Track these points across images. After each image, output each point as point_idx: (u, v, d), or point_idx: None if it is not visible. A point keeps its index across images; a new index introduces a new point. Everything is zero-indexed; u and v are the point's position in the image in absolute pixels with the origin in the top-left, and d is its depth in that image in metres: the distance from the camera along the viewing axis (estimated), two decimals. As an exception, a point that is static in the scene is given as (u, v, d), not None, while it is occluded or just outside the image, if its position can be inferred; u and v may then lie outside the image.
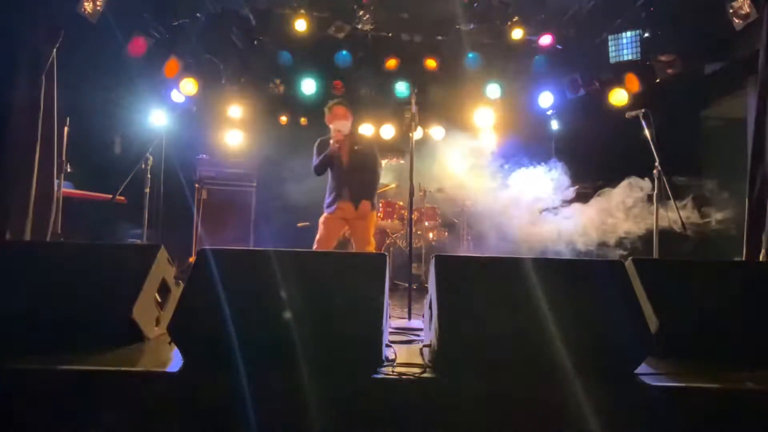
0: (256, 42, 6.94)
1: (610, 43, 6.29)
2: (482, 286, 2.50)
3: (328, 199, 4.86)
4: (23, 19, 4.21)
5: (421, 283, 6.19)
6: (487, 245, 6.51)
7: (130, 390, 2.18)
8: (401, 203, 6.70)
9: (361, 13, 6.24)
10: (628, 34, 6.16)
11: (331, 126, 4.86)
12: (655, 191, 4.48)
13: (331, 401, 2.12)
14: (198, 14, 6.31)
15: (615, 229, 5.21)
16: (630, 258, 2.88)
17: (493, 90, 7.50)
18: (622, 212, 5.13)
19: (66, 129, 4.66)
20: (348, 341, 2.32)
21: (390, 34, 6.96)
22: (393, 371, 2.26)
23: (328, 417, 2.09)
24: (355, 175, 4.80)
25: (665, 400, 2.15)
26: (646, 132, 4.51)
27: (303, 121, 8.12)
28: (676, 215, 4.27)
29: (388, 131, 8.02)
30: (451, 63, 7.23)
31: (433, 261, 2.60)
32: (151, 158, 4.86)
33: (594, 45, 6.60)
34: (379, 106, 7.88)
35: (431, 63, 7.29)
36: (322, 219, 4.85)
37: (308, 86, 7.46)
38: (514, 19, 6.49)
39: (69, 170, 4.77)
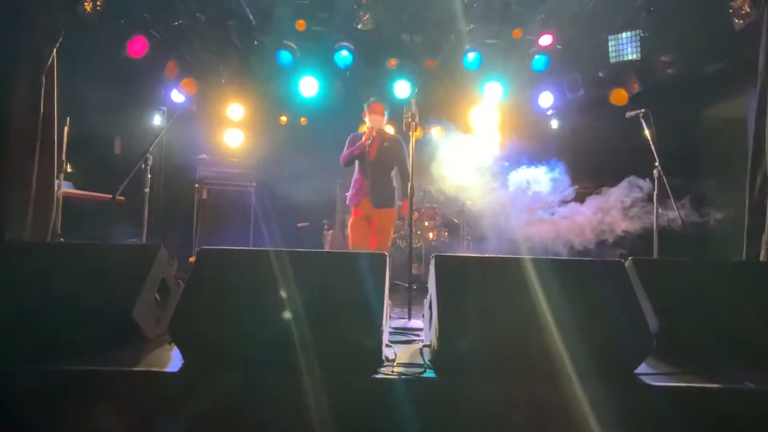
0: (256, 42, 6.94)
1: (610, 43, 6.29)
2: (482, 286, 2.50)
3: (351, 191, 5.09)
4: (23, 19, 4.21)
5: (422, 283, 6.19)
6: (487, 245, 6.51)
7: (130, 390, 2.18)
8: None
9: (361, 13, 6.24)
10: (628, 34, 6.16)
11: (366, 120, 5.11)
12: (655, 191, 4.48)
13: (331, 401, 2.12)
14: (198, 14, 6.30)
15: (614, 229, 5.21)
16: (630, 258, 2.88)
17: (495, 90, 7.49)
18: (621, 212, 5.13)
19: (66, 129, 4.65)
20: (348, 341, 2.32)
21: (390, 34, 6.95)
22: (393, 371, 2.26)
23: (328, 417, 2.09)
24: (379, 169, 5.00)
25: (665, 400, 2.16)
26: (646, 132, 4.52)
27: (303, 121, 8.12)
28: (675, 215, 4.28)
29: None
30: (451, 63, 7.23)
31: (433, 261, 2.60)
32: (151, 158, 4.86)
33: (594, 45, 6.59)
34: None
35: (431, 63, 7.29)
36: (350, 222, 5.07)
37: (308, 86, 7.46)
38: (514, 19, 6.49)
39: (69, 170, 4.77)
